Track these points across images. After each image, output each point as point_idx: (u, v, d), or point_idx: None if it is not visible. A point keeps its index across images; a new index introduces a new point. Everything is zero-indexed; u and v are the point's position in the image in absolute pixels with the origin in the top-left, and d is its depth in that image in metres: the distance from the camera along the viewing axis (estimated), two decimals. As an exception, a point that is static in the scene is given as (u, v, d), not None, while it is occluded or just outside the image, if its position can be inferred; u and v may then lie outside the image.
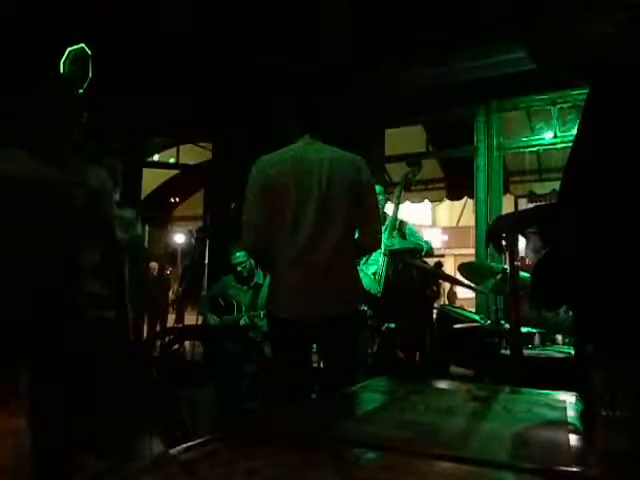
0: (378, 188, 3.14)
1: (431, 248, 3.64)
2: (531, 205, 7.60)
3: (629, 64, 0.94)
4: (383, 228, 3.27)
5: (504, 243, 1.42)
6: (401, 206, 3.60)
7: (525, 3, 1.11)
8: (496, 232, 1.38)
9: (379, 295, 3.25)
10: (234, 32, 4.73)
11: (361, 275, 3.06)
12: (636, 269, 0.91)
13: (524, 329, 2.79)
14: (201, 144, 6.98)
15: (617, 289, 0.93)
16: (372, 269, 3.33)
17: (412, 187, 3.88)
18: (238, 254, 3.92)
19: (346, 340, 2.15)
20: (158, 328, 7.95)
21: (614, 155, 0.94)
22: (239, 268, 3.96)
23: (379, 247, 2.54)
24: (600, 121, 0.98)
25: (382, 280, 3.29)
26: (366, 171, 2.18)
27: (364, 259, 3.26)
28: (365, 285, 3.10)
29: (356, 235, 2.23)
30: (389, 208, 3.54)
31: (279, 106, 4.22)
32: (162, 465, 0.66)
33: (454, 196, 7.14)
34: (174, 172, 8.70)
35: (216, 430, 0.80)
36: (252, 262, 3.91)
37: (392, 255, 3.36)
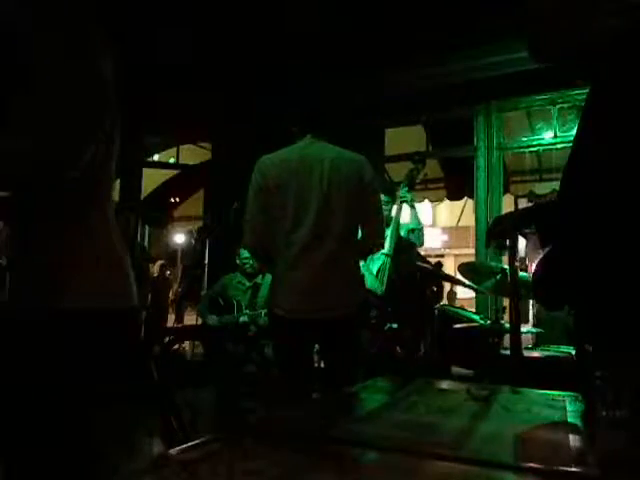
0: (385, 197, 3.15)
1: (419, 230, 3.63)
2: (531, 204, 7.60)
3: (632, 63, 0.94)
4: (388, 231, 3.27)
5: (505, 243, 1.41)
6: (405, 207, 3.56)
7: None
8: (496, 232, 1.38)
9: (381, 294, 3.25)
10: (234, 31, 4.73)
11: (365, 274, 3.05)
12: (636, 269, 0.91)
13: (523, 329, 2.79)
14: (201, 144, 6.99)
15: (617, 289, 0.93)
16: (376, 267, 3.32)
17: (415, 186, 3.87)
18: (243, 252, 3.95)
19: (347, 340, 2.15)
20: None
21: (615, 154, 0.94)
22: (247, 266, 3.99)
23: (382, 247, 2.53)
24: (601, 120, 0.98)
25: (385, 279, 3.29)
26: (368, 170, 2.17)
27: (369, 258, 3.26)
28: (368, 284, 3.10)
29: (359, 235, 2.23)
30: (394, 209, 3.50)
31: (280, 106, 4.22)
32: (162, 465, 0.66)
33: (454, 196, 7.14)
34: (174, 172, 8.70)
35: (216, 430, 0.80)
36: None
37: (396, 251, 3.35)
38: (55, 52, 0.95)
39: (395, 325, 3.35)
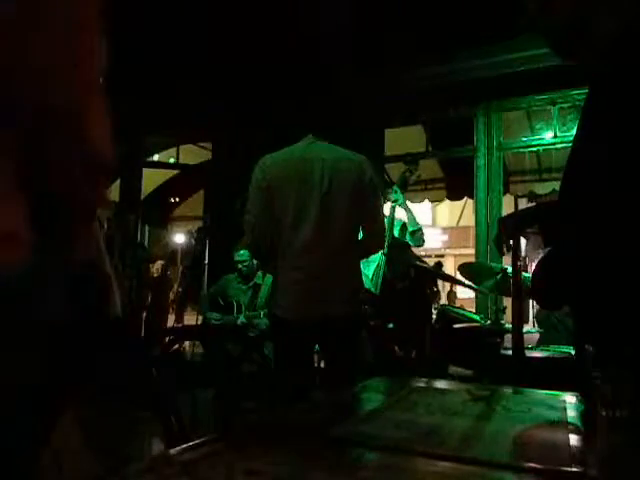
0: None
1: (419, 230, 3.62)
2: (531, 205, 7.61)
3: (631, 63, 0.94)
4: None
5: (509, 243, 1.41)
6: (399, 208, 3.58)
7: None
8: (502, 234, 1.38)
9: (376, 293, 3.26)
10: (235, 32, 4.73)
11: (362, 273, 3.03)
12: (636, 269, 0.91)
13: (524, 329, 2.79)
14: (201, 144, 6.98)
15: (617, 289, 0.93)
16: (371, 268, 3.33)
17: (410, 186, 3.88)
18: (242, 252, 3.93)
19: (347, 340, 2.15)
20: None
21: (614, 155, 0.93)
22: (240, 266, 3.98)
23: (382, 247, 2.54)
24: (600, 120, 0.98)
25: (380, 280, 3.29)
26: (369, 170, 2.18)
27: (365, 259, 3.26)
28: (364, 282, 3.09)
29: (360, 235, 2.23)
30: (386, 208, 3.53)
31: (281, 106, 4.23)
32: (162, 465, 0.66)
33: (454, 196, 7.14)
34: (174, 172, 8.69)
35: (216, 430, 0.79)
36: (254, 262, 3.92)
37: (390, 251, 3.36)
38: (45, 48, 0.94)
39: (391, 325, 3.36)
